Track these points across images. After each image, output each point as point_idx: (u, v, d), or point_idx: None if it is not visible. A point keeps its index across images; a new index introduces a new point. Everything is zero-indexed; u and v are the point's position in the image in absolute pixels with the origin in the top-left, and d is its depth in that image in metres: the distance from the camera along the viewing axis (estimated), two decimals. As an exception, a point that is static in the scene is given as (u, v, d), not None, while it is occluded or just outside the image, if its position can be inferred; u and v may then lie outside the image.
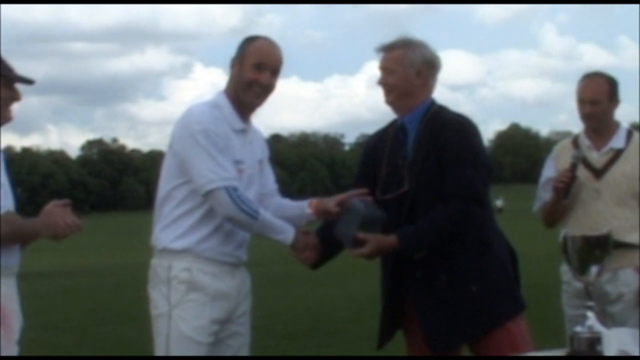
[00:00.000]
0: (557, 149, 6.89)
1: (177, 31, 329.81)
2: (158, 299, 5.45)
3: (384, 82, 5.69)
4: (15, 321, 5.21)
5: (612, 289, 6.42)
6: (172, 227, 5.46)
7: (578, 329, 4.91)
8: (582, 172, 6.51)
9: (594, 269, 4.98)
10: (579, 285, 5.34)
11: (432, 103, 5.69)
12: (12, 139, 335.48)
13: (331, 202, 5.56)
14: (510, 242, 5.77)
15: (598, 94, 6.56)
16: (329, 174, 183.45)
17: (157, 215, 5.64)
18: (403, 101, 5.64)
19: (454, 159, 5.44)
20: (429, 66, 5.69)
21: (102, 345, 13.81)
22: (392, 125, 5.80)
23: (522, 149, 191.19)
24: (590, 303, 4.99)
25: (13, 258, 5.23)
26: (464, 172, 5.44)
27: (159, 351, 5.43)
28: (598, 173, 6.49)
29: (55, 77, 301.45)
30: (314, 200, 5.75)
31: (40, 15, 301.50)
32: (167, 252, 5.44)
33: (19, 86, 5.40)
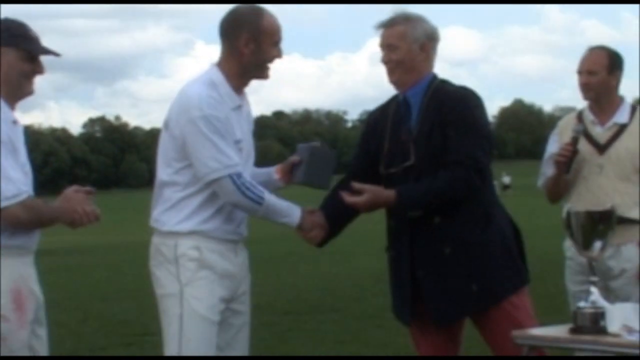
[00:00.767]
0: (561, 124, 6.90)
1: (178, 7, 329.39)
2: (165, 278, 5.38)
3: (387, 60, 5.64)
4: (30, 302, 5.20)
5: (615, 264, 6.42)
6: (175, 209, 5.41)
7: (582, 304, 4.93)
8: (585, 147, 6.50)
9: (597, 244, 5.00)
10: (582, 260, 5.34)
11: (434, 77, 5.68)
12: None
13: (290, 159, 5.81)
14: (512, 218, 5.77)
15: (595, 65, 6.59)
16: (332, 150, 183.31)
17: (156, 197, 5.59)
18: (407, 76, 5.61)
19: (457, 128, 5.46)
20: (430, 39, 5.68)
21: (104, 322, 13.83)
22: (392, 100, 5.77)
23: (526, 126, 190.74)
24: (594, 278, 5.01)
25: (32, 239, 5.25)
26: (467, 141, 5.46)
27: (172, 332, 5.33)
28: (601, 148, 6.49)
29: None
30: (279, 166, 5.84)
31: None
32: (172, 234, 5.39)
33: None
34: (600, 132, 6.53)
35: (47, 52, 5.37)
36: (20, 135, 5.27)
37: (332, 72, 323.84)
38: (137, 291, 17.47)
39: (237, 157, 5.37)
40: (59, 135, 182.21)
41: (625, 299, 5.67)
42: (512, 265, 5.61)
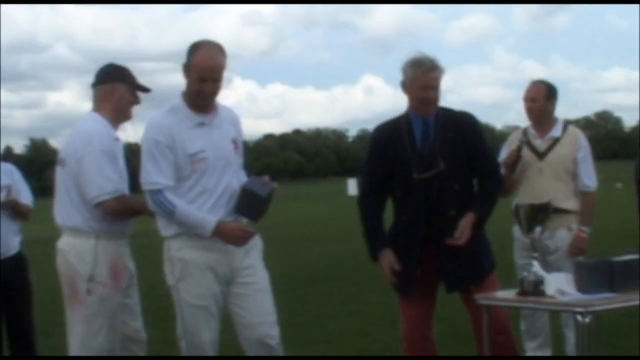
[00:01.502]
0: (510, 137, 6.98)
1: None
2: (167, 273, 5.21)
3: (432, 97, 5.44)
4: (124, 274, 5.28)
5: (551, 243, 6.45)
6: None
7: (525, 274, 4.93)
8: (528, 155, 6.56)
9: (537, 229, 5.03)
10: (526, 240, 5.32)
11: (441, 106, 5.60)
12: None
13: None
14: None
15: (536, 94, 6.66)
16: (337, 160, 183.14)
17: None
18: (436, 107, 5.49)
19: (481, 142, 5.55)
20: None
21: (166, 290, 13.78)
22: (401, 119, 5.57)
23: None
24: (535, 254, 5.00)
25: (127, 227, 5.35)
26: (490, 152, 5.65)
27: (178, 317, 5.19)
28: (541, 155, 6.57)
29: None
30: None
31: (119, 42, 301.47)
32: (165, 238, 5.20)
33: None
34: (540, 144, 6.59)
35: (143, 88, 5.54)
36: (120, 149, 5.44)
37: (336, 100, 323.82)
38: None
39: (163, 177, 4.94)
40: (134, 149, 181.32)
41: (559, 269, 5.65)
42: (490, 249, 5.62)
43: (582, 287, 4.73)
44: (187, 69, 5.07)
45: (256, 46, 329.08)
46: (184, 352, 5.14)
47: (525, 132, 6.73)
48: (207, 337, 5.08)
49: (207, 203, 5.01)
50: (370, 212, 5.63)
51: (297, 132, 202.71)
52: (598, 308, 4.60)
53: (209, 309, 5.06)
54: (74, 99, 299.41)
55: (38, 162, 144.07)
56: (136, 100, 5.49)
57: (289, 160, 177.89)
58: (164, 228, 5.14)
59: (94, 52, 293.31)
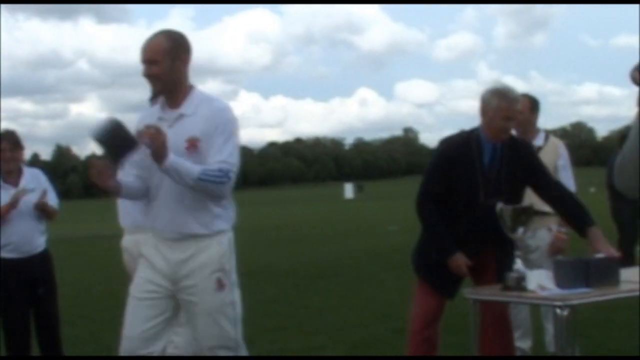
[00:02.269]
0: None
1: (228, 67, 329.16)
2: None
3: (509, 126, 5.34)
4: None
5: (532, 242, 6.45)
6: None
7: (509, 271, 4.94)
8: None
9: (520, 230, 5.03)
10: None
11: None
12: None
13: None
14: None
15: (522, 107, 6.53)
16: (335, 166, 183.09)
17: None
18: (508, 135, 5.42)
19: (538, 164, 5.47)
20: None
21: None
22: (468, 144, 5.36)
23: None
24: (518, 253, 5.00)
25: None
26: (545, 167, 5.55)
27: None
28: None
29: (145, 101, 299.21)
30: None
31: (134, 58, 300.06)
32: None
33: None
34: None
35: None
36: None
37: (333, 111, 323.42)
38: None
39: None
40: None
41: (539, 267, 5.64)
42: None
43: (560, 283, 4.75)
44: None
45: (260, 62, 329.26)
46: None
47: None
48: (134, 332, 4.54)
49: (150, 201, 4.61)
50: (436, 217, 5.38)
51: (298, 141, 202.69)
52: (575, 302, 4.61)
53: (138, 301, 4.57)
54: (94, 109, 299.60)
55: (62, 168, 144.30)
56: None
57: (291, 166, 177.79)
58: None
59: (112, 67, 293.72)
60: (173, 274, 4.50)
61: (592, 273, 4.80)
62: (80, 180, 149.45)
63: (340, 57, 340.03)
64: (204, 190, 4.39)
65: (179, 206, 4.46)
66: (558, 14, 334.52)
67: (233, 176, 4.48)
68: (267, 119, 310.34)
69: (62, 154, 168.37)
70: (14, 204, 6.60)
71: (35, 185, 6.82)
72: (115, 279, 15.02)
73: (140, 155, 4.39)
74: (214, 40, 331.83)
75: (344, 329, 8.63)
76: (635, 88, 2.89)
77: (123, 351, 4.56)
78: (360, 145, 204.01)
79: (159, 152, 4.26)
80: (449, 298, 5.46)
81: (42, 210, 6.78)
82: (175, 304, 4.55)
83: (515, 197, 5.33)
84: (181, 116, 4.51)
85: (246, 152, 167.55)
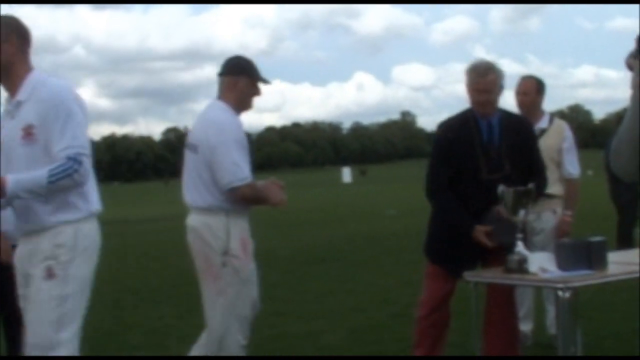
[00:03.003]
0: None
1: (224, 52, 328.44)
2: None
3: (484, 100, 5.35)
4: (250, 246, 5.19)
5: (537, 224, 6.41)
6: None
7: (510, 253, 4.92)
8: None
9: (521, 212, 4.99)
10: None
11: (500, 108, 5.52)
12: (114, 128, 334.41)
13: None
14: None
15: (528, 88, 6.59)
16: (333, 150, 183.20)
17: None
18: (493, 110, 5.39)
19: (534, 144, 5.55)
20: (503, 80, 5.49)
21: (180, 270, 13.76)
22: (469, 121, 5.42)
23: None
24: (520, 235, 4.98)
25: (248, 205, 5.22)
26: (539, 152, 5.59)
27: None
28: None
29: (142, 86, 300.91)
30: None
31: (130, 44, 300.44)
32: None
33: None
34: None
35: (264, 81, 5.34)
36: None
37: (331, 95, 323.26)
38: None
39: None
40: (146, 141, 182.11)
41: (543, 249, 5.63)
42: None
43: (562, 265, 4.73)
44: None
45: (257, 46, 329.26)
46: None
47: None
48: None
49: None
50: (450, 203, 5.36)
51: (295, 125, 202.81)
52: (576, 284, 4.60)
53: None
54: (91, 95, 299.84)
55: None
56: (257, 92, 5.31)
57: (289, 151, 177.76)
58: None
59: (108, 52, 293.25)
60: (22, 269, 4.32)
61: (593, 255, 4.78)
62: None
63: (337, 42, 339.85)
64: (61, 190, 4.10)
65: (26, 201, 4.15)
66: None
67: (85, 159, 4.11)
68: (265, 104, 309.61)
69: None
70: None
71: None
72: (113, 264, 15.03)
73: None
74: (211, 25, 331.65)
75: (342, 313, 8.61)
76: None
77: None
78: (358, 130, 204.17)
79: None
80: (455, 276, 5.38)
81: None
82: None
83: (517, 171, 5.32)
84: (19, 104, 4.18)
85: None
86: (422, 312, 5.54)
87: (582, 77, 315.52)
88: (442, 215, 5.49)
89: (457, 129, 5.41)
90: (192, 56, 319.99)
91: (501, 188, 5.01)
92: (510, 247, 4.95)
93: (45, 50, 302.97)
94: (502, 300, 5.40)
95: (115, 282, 12.40)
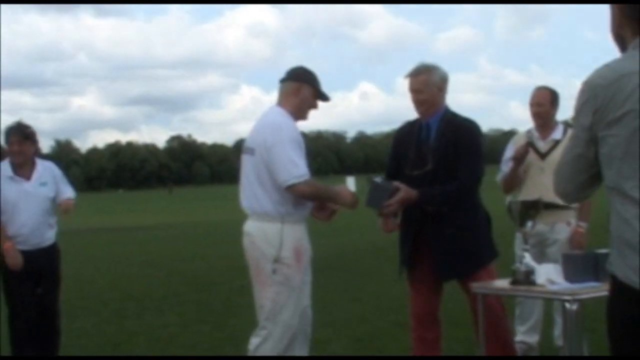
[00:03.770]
0: (515, 137, 6.88)
1: (228, 61, 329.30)
2: None
3: (415, 99, 5.48)
4: (305, 255, 5.21)
5: (550, 236, 6.41)
6: None
7: (517, 265, 4.89)
8: (531, 156, 6.48)
9: (529, 223, 4.98)
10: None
11: (447, 109, 5.56)
12: (118, 135, 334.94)
13: None
14: (485, 208, 5.71)
15: (542, 99, 6.56)
16: (337, 159, 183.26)
17: None
18: (429, 110, 5.47)
19: (466, 152, 5.40)
20: (444, 82, 5.55)
21: (184, 277, 13.75)
22: (415, 123, 5.61)
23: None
24: (527, 246, 4.96)
25: (306, 211, 5.26)
26: (472, 163, 5.42)
27: None
28: (543, 156, 6.48)
29: (146, 94, 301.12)
30: None
31: (135, 51, 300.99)
32: None
33: None
34: (542, 145, 6.51)
35: (324, 96, 5.39)
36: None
37: (335, 105, 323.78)
38: (205, 255, 17.49)
39: None
40: (150, 148, 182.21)
41: (555, 260, 5.60)
42: (490, 242, 5.56)
43: (569, 277, 4.71)
44: None
45: (261, 55, 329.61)
46: None
47: (529, 132, 6.63)
48: None
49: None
50: None
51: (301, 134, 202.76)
52: (584, 296, 4.58)
53: None
54: (94, 102, 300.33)
55: (64, 160, 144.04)
56: (315, 105, 5.36)
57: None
58: None
59: (112, 60, 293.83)
60: None
61: (601, 267, 4.74)
62: (81, 173, 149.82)
63: (341, 51, 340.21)
64: None
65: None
66: (557, 9, 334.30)
67: None
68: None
69: (63, 147, 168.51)
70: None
71: (48, 178, 6.82)
72: (117, 272, 15.03)
73: None
74: (215, 33, 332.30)
75: (348, 322, 8.59)
76: None
77: None
78: (362, 139, 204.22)
79: None
80: (401, 274, 5.69)
81: (66, 211, 6.84)
82: None
83: (444, 170, 5.37)
84: None
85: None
86: (410, 325, 5.70)
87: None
88: None
89: (403, 128, 5.69)
90: (196, 64, 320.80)
91: (509, 199, 5.01)
92: (377, 211, 5.34)
93: (49, 58, 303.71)
94: (492, 307, 5.38)
95: (119, 290, 12.39)
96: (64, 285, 7.21)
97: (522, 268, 4.82)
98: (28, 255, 6.70)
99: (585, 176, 2.86)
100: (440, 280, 5.52)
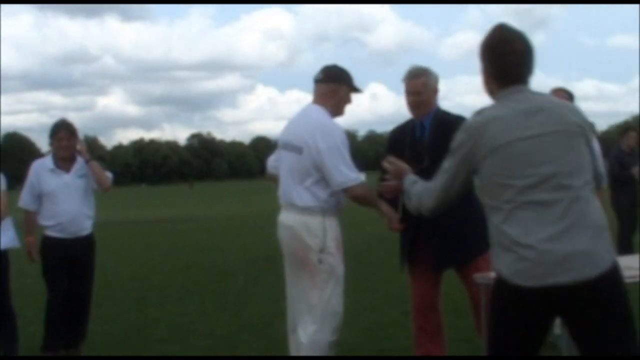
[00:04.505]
0: None
1: (245, 63, 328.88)
2: None
3: (414, 101, 5.47)
4: (342, 245, 5.26)
5: None
6: None
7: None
8: None
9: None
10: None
11: (438, 107, 5.56)
12: (141, 133, 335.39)
13: None
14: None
15: (562, 100, 6.46)
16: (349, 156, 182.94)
17: None
18: (425, 110, 5.48)
19: None
20: (437, 83, 5.57)
21: (201, 267, 13.78)
22: (409, 123, 5.61)
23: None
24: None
25: (342, 203, 5.25)
26: None
27: None
28: None
29: (168, 94, 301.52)
30: None
31: (157, 54, 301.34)
32: None
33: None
34: None
35: (358, 90, 5.39)
36: None
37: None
38: (223, 247, 17.52)
39: None
40: (171, 146, 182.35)
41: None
42: (486, 231, 5.52)
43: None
44: None
45: (276, 58, 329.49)
46: None
47: None
48: None
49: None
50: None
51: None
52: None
53: None
54: (119, 102, 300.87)
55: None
56: (350, 100, 5.38)
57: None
58: None
59: (136, 62, 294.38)
60: None
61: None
62: (107, 168, 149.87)
63: (351, 54, 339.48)
64: None
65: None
66: (557, 15, 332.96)
67: None
68: (284, 112, 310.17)
69: (90, 144, 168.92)
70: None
71: (86, 171, 6.96)
72: (140, 262, 15.06)
73: None
74: (233, 37, 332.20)
75: (358, 311, 8.59)
76: (631, 85, 2.95)
77: None
78: (372, 137, 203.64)
79: None
80: (405, 268, 5.68)
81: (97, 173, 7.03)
82: None
83: (438, 167, 5.35)
84: None
85: (264, 143, 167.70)
86: (412, 316, 5.69)
87: (585, 90, 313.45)
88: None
89: (398, 129, 5.68)
90: (215, 66, 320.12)
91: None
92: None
93: (77, 60, 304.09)
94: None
95: (142, 279, 12.44)
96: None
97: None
98: (66, 242, 6.82)
99: (452, 196, 3.68)
100: (437, 269, 5.51)
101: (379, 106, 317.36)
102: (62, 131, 6.95)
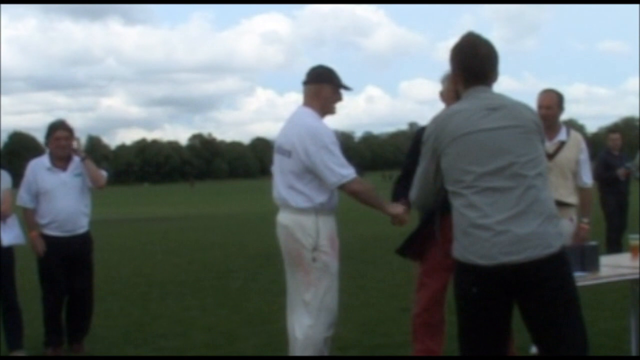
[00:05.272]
0: None
1: (245, 66, 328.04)
2: None
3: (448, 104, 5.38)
4: (336, 243, 5.24)
5: None
6: None
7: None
8: None
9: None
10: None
11: None
12: (144, 133, 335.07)
13: None
14: None
15: (551, 101, 6.38)
16: (346, 157, 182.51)
17: None
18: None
19: None
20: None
21: (203, 265, 13.77)
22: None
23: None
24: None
25: (336, 202, 5.23)
26: None
27: None
28: (550, 156, 6.29)
29: (169, 95, 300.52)
30: None
31: (158, 56, 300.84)
32: None
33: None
34: (549, 146, 6.33)
35: (345, 87, 5.35)
36: None
37: (343, 106, 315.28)
38: (223, 244, 17.52)
39: None
40: (173, 146, 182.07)
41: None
42: None
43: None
44: None
45: (274, 61, 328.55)
46: None
47: None
48: None
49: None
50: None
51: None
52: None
53: None
54: (122, 103, 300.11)
55: (94, 156, 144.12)
56: (339, 98, 5.34)
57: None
58: None
59: (138, 64, 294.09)
60: None
61: (586, 258, 4.76)
62: (110, 167, 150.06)
63: (348, 58, 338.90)
64: None
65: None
66: (548, 21, 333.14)
67: None
68: (282, 114, 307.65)
69: (93, 144, 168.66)
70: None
71: (82, 169, 6.95)
72: (142, 259, 15.05)
73: None
74: (232, 40, 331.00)
75: (354, 308, 8.59)
76: (620, 89, 3.01)
77: None
78: (369, 139, 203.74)
79: None
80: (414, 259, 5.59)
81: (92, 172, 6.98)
82: None
83: None
84: None
85: (263, 144, 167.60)
86: (417, 310, 5.54)
87: (574, 93, 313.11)
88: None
89: (420, 131, 5.50)
90: (215, 69, 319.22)
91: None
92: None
93: (81, 62, 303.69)
94: None
95: (144, 275, 12.42)
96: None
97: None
98: (63, 241, 6.79)
99: (432, 187, 3.72)
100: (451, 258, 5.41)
101: (374, 108, 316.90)
102: (60, 130, 6.93)
